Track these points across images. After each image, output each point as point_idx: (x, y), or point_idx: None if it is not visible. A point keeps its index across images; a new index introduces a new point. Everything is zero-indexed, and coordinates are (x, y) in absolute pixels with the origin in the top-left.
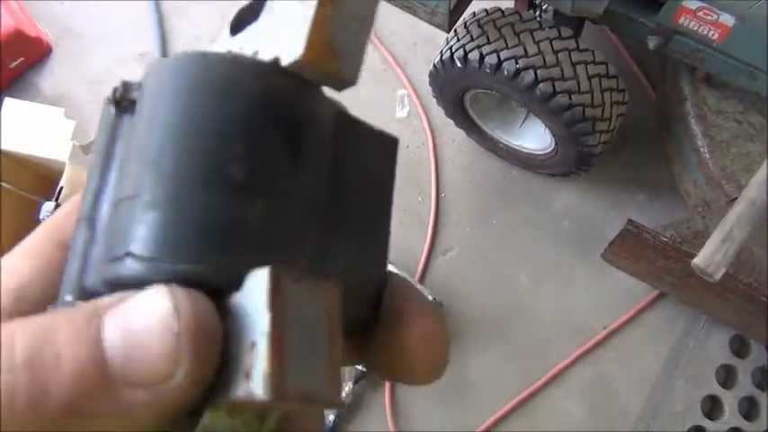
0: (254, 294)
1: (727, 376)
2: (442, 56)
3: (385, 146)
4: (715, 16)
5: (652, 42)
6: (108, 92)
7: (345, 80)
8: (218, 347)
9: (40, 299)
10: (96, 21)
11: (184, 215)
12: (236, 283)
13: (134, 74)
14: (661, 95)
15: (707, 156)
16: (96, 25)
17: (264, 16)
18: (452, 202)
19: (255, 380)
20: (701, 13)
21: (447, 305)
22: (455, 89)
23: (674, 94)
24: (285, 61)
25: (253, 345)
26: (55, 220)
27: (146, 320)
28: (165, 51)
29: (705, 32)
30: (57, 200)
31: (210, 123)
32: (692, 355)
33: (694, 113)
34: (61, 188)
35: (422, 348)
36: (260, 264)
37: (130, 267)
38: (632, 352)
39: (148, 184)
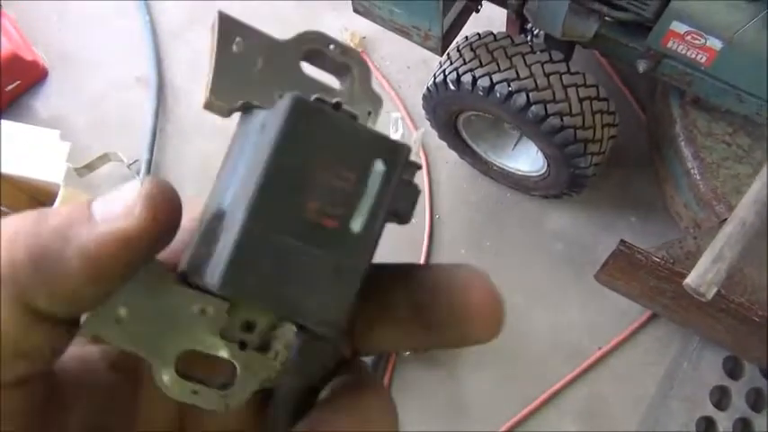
0: None
1: (721, 397)
2: (435, 79)
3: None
4: (702, 40)
5: (641, 66)
6: (102, 115)
7: (221, 110)
8: (174, 210)
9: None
10: (92, 45)
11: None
12: None
13: (129, 97)
14: (651, 118)
15: (697, 177)
16: (92, 49)
17: None
18: (446, 224)
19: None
20: (688, 37)
21: None
22: (448, 112)
23: (663, 116)
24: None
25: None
26: None
27: (120, 191)
28: (160, 75)
29: (693, 56)
30: None
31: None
32: (686, 377)
33: (684, 136)
34: None
35: (482, 305)
36: None
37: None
38: (627, 373)
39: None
